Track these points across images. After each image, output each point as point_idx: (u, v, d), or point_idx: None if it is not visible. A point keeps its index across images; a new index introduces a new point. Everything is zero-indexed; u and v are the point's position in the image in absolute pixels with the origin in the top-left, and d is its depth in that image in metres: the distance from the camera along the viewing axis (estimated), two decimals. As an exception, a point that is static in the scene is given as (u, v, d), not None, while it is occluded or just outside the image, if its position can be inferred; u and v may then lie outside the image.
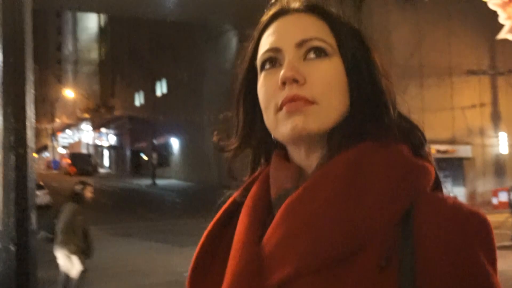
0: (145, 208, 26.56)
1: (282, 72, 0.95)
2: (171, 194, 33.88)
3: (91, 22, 63.52)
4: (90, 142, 64.71)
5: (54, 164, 61.18)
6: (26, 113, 2.05)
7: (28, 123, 2.00)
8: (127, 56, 50.80)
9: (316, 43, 0.97)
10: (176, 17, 30.18)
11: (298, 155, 0.99)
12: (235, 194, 1.08)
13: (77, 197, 7.85)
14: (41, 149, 74.39)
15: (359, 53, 0.99)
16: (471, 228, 0.86)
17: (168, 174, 42.73)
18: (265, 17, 1.04)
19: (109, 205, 27.76)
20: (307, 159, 0.98)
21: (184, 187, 36.79)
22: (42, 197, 24.32)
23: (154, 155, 42.06)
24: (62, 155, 64.81)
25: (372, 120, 0.96)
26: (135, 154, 50.96)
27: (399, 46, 21.97)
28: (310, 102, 0.94)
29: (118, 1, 25.97)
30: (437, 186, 0.97)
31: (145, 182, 40.39)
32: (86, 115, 63.67)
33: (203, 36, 35.19)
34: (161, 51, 42.30)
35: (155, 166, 41.12)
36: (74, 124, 68.74)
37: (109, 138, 59.68)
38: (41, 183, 28.52)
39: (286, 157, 1.02)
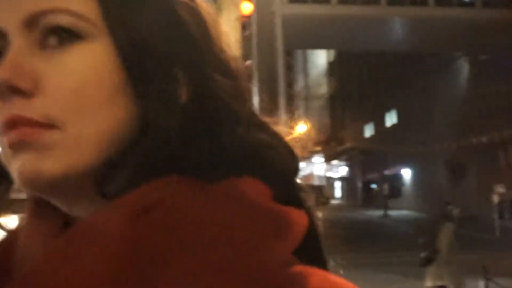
0: (377, 239, 26.46)
1: None
2: (403, 225, 33.35)
3: (320, 58, 65.46)
4: (322, 174, 66.16)
5: (288, 196, 63.51)
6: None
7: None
8: (356, 88, 51.41)
9: (60, 19, 0.54)
10: (405, 48, 30.04)
11: (58, 203, 0.58)
12: None
13: (449, 216, 8.75)
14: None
15: (154, 27, 0.56)
16: None
17: (399, 205, 42.15)
18: None
19: (342, 236, 28.06)
20: (71, 211, 0.58)
21: (417, 219, 35.97)
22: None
23: (385, 186, 41.80)
24: (295, 187, 67.01)
25: (191, 141, 0.55)
26: (366, 185, 51.06)
27: None
28: (45, 126, 0.53)
29: (348, 37, 26.54)
30: (312, 251, 0.56)
31: (377, 213, 40.21)
32: (318, 148, 65.35)
33: (433, 64, 34.53)
34: (390, 82, 42.22)
35: (386, 197, 40.81)
36: (306, 157, 70.86)
37: (340, 169, 60.57)
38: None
39: None
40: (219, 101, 0.57)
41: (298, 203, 0.57)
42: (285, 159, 0.58)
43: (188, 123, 0.55)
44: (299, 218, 0.53)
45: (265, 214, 0.51)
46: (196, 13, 0.59)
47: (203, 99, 0.56)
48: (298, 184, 0.59)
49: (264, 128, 0.60)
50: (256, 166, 0.56)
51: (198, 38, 0.58)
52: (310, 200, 0.60)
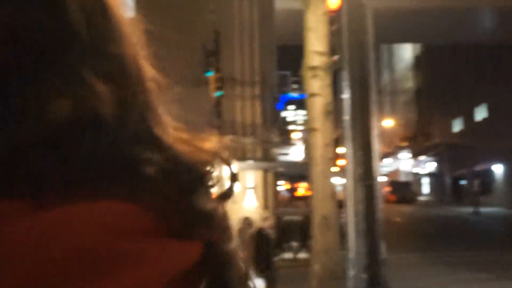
0: (466, 236, 25.77)
1: None
2: (494, 222, 32.30)
3: (406, 52, 64.25)
4: (409, 170, 64.93)
5: (374, 192, 62.88)
6: (372, 146, 2.15)
7: (374, 156, 2.09)
8: (443, 83, 50.16)
9: None
10: (494, 40, 29.04)
11: None
12: None
13: None
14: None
15: (26, 22, 0.44)
16: None
17: (491, 202, 40.87)
18: None
19: (431, 233, 27.53)
20: None
21: (509, 216, 34.80)
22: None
23: (476, 182, 40.61)
24: (382, 183, 66.18)
25: (39, 159, 0.42)
26: (455, 181, 49.77)
27: None
28: None
29: (436, 30, 25.92)
30: None
31: (466, 210, 39.13)
32: (404, 144, 64.16)
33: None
34: (479, 75, 40.95)
35: (476, 194, 39.63)
36: (392, 153, 69.77)
37: (427, 165, 59.26)
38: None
39: None
40: (89, 113, 0.44)
41: (189, 232, 0.45)
42: (173, 179, 0.47)
43: (42, 137, 0.43)
44: (163, 255, 0.42)
45: (78, 253, 0.40)
46: (94, 5, 0.48)
47: (73, 111, 0.44)
48: (197, 208, 0.47)
49: (155, 143, 0.48)
50: (126, 187, 0.44)
51: (85, 37, 0.46)
52: (223, 225, 0.48)
